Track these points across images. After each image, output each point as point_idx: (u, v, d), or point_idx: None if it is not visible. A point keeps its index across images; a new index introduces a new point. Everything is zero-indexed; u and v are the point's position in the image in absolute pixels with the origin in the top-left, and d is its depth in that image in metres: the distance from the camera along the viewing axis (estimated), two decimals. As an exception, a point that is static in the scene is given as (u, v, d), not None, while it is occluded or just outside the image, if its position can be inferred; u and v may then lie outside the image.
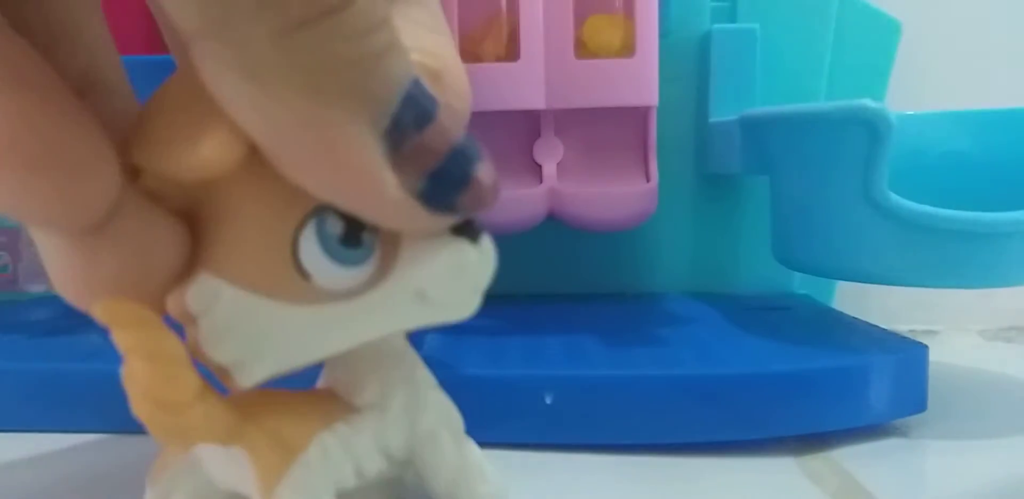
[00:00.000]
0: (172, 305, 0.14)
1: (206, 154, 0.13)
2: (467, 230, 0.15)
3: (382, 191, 0.14)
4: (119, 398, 0.26)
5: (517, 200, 0.30)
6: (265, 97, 0.13)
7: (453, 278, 0.15)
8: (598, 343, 0.28)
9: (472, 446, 0.19)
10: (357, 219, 0.15)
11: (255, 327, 0.14)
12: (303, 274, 0.15)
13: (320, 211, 0.14)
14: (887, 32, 0.39)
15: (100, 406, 0.26)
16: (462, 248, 0.15)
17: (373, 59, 0.13)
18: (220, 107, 0.13)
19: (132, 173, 0.14)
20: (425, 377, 0.18)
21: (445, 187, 0.14)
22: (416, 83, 0.14)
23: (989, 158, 0.32)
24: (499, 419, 0.24)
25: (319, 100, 0.13)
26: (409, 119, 0.13)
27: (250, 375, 0.15)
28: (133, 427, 0.26)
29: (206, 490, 0.17)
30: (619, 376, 0.25)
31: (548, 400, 0.25)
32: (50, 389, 0.27)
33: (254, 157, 0.14)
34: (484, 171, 0.14)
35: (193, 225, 0.15)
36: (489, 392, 0.24)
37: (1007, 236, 0.25)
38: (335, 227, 0.15)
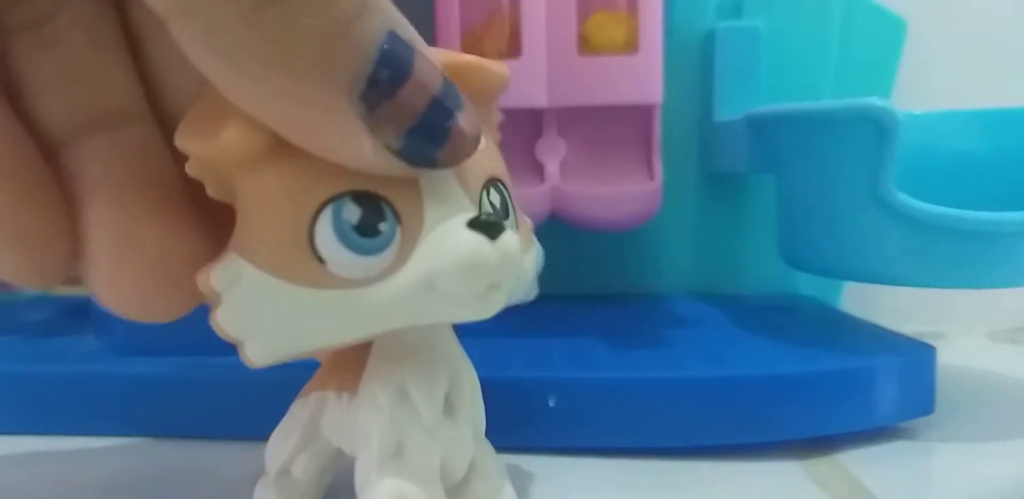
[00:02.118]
0: (200, 281, 0.15)
1: (226, 140, 0.14)
2: (484, 226, 0.15)
3: (365, 154, 0.14)
4: (115, 401, 0.26)
5: (519, 199, 0.30)
6: (238, 74, 0.13)
7: (463, 273, 0.15)
8: (602, 345, 0.28)
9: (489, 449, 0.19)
10: (376, 208, 0.15)
11: (271, 308, 0.15)
12: (319, 259, 0.15)
13: (339, 198, 0.15)
14: (893, 30, 0.39)
15: (97, 409, 0.26)
16: (476, 244, 0.15)
17: (344, 25, 0.13)
18: None
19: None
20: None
21: (424, 143, 0.14)
22: (392, 37, 0.14)
23: (997, 157, 0.32)
24: (502, 422, 0.24)
25: (291, 73, 0.13)
26: (385, 78, 0.13)
27: (263, 354, 0.15)
28: (129, 430, 0.26)
29: (324, 451, 0.19)
30: (623, 379, 0.25)
31: (551, 403, 0.24)
32: (45, 392, 0.26)
33: (280, 142, 0.14)
34: (464, 121, 0.15)
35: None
36: (492, 395, 0.24)
37: (1015, 236, 0.25)
38: (351, 215, 0.15)
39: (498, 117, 0.19)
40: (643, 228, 0.32)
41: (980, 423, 0.28)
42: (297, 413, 0.19)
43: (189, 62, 0.14)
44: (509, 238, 0.15)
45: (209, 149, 0.15)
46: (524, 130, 0.31)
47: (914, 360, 0.26)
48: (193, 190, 0.16)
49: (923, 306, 0.41)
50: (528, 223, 0.19)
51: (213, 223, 0.16)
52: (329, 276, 0.15)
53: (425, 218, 0.15)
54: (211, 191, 0.16)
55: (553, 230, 0.31)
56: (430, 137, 0.14)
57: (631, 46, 0.29)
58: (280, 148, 0.14)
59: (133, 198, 0.16)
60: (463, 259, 0.14)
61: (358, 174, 0.15)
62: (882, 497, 0.22)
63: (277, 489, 0.19)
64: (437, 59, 0.15)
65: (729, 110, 0.35)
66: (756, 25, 0.36)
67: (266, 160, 0.15)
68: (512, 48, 0.29)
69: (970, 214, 0.24)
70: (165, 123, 0.17)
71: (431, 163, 0.14)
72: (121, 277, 0.16)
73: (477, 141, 0.15)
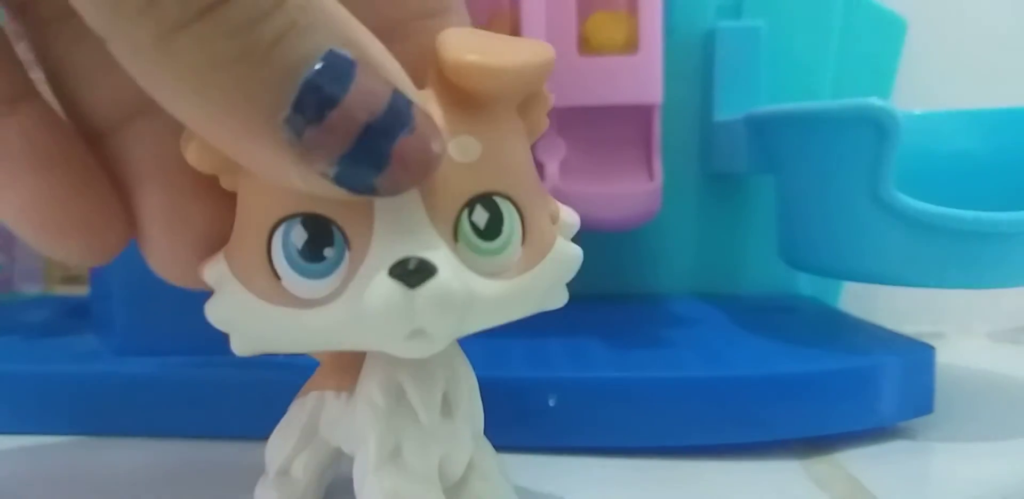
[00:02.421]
0: (199, 272, 0.16)
1: (190, 155, 0.15)
2: (404, 275, 0.14)
3: (300, 180, 0.13)
4: (115, 400, 0.26)
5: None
6: (161, 98, 0.13)
7: (376, 320, 0.14)
8: (602, 345, 0.28)
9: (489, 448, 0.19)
10: (325, 232, 0.15)
11: (241, 313, 0.16)
12: (276, 275, 0.15)
13: (290, 218, 0.15)
14: (893, 30, 0.39)
15: (97, 408, 0.26)
16: (387, 294, 0.14)
17: (263, 49, 0.12)
18: None
19: None
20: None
21: (360, 169, 0.13)
22: (329, 56, 0.13)
23: (996, 157, 0.32)
24: (502, 422, 0.24)
25: (208, 100, 0.13)
26: (311, 103, 0.13)
27: (243, 347, 0.16)
28: (129, 430, 0.26)
29: (323, 451, 0.19)
30: (623, 378, 0.25)
31: (552, 402, 0.24)
32: (45, 391, 0.26)
33: None
34: (413, 143, 0.13)
35: None
36: (492, 395, 0.24)
37: (1015, 236, 0.25)
38: (298, 238, 0.15)
39: (544, 104, 0.17)
40: (643, 228, 0.32)
41: (979, 423, 0.28)
42: (296, 413, 0.19)
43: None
44: (439, 284, 0.14)
45: (191, 161, 0.15)
46: (524, 130, 0.31)
47: (913, 360, 0.26)
48: None
49: (922, 306, 0.41)
50: (562, 224, 0.18)
51: (152, 211, 0.17)
52: (284, 293, 0.15)
53: (372, 245, 0.14)
54: (224, 185, 0.16)
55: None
56: (367, 163, 0.13)
57: (631, 46, 0.29)
58: None
59: (178, 178, 0.16)
60: (374, 308, 0.14)
61: (314, 195, 0.14)
62: (881, 496, 0.22)
63: (277, 489, 0.19)
64: (451, 56, 0.15)
65: (729, 110, 0.35)
66: (756, 25, 0.36)
67: (241, 170, 0.15)
68: (512, 48, 0.29)
69: (969, 214, 0.25)
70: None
71: (370, 191, 0.14)
72: (176, 251, 0.17)
73: (432, 164, 0.14)
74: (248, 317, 0.16)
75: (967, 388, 0.32)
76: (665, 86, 0.29)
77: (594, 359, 0.26)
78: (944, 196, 0.26)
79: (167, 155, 0.16)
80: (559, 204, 0.18)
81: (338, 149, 0.13)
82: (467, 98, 0.15)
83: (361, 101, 0.13)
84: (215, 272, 0.16)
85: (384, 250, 0.14)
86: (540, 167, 0.31)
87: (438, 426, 0.17)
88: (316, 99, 0.13)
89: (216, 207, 0.16)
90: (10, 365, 0.27)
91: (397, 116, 0.13)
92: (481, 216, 0.15)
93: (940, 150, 0.33)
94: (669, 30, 0.31)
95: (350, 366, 0.17)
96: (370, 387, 0.17)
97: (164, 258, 0.17)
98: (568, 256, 0.17)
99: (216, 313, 0.16)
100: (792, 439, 0.25)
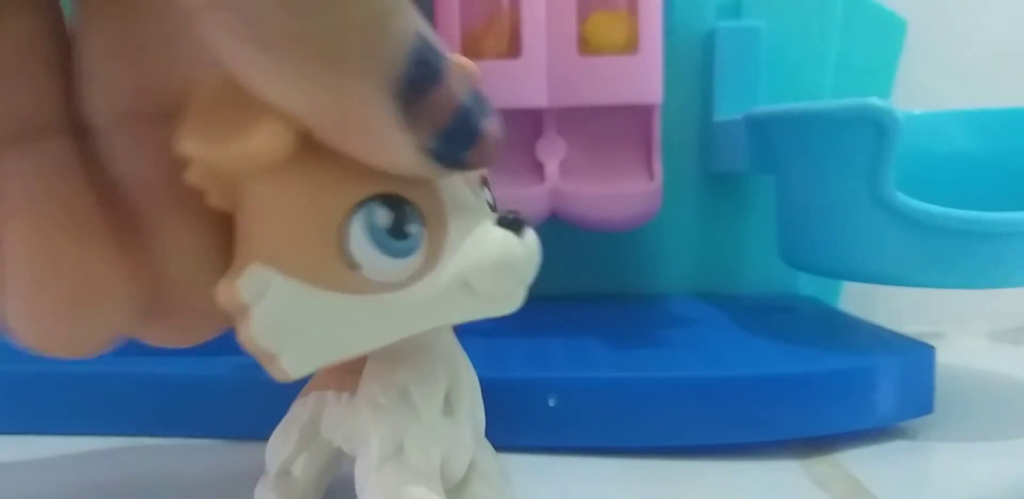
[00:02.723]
0: (222, 296, 0.15)
1: (258, 143, 0.14)
2: (512, 224, 0.15)
3: (399, 153, 0.14)
4: (115, 400, 0.26)
5: (519, 199, 0.30)
6: (278, 65, 0.13)
7: (499, 271, 0.15)
8: (601, 345, 0.28)
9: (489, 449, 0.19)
10: (403, 211, 0.15)
11: (305, 317, 0.15)
12: (351, 264, 0.15)
13: (368, 201, 0.15)
14: (893, 30, 0.39)
15: (97, 409, 0.26)
16: (508, 242, 0.15)
17: (382, 19, 0.13)
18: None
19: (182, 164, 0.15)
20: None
21: (455, 145, 0.14)
22: (422, 39, 0.13)
23: (996, 157, 0.32)
24: (502, 422, 0.24)
25: (333, 65, 0.13)
26: (419, 78, 0.13)
27: (300, 365, 0.15)
28: (129, 430, 0.26)
29: (324, 451, 0.19)
30: (623, 378, 0.25)
31: (552, 402, 0.24)
32: (45, 391, 0.26)
33: (304, 146, 0.14)
34: (491, 126, 0.15)
35: (237, 217, 0.15)
36: (492, 394, 0.24)
37: (1015, 236, 0.25)
38: (383, 218, 0.15)
39: None
40: (643, 228, 0.32)
41: (979, 423, 0.28)
42: (297, 413, 0.19)
43: (114, 77, 0.14)
44: (532, 234, 0.15)
45: (230, 153, 0.14)
46: (524, 130, 0.31)
47: (913, 360, 0.26)
48: (110, 207, 0.15)
49: (922, 306, 0.41)
50: None
51: (131, 242, 0.15)
52: (363, 281, 0.15)
53: (447, 218, 0.15)
54: (214, 200, 0.15)
55: (553, 230, 0.31)
56: (462, 139, 0.14)
57: (631, 46, 0.29)
58: (304, 152, 0.14)
59: (53, 216, 0.15)
60: (498, 256, 0.15)
61: (381, 177, 0.14)
62: (881, 496, 0.22)
63: (277, 489, 0.19)
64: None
65: (729, 110, 0.35)
66: (756, 25, 0.36)
67: (289, 164, 0.14)
68: (512, 48, 0.29)
69: (969, 214, 0.24)
70: (80, 137, 0.16)
71: (461, 165, 0.15)
72: (38, 301, 0.14)
73: (502, 146, 0.15)
74: (317, 319, 0.15)
75: (967, 388, 0.32)
76: (665, 86, 0.29)
77: (594, 359, 0.26)
78: (943, 196, 0.26)
79: (41, 191, 0.15)
80: None
81: (441, 123, 0.14)
82: None
83: (456, 79, 0.14)
84: (255, 282, 0.14)
85: (463, 219, 0.15)
86: (540, 167, 0.31)
87: (440, 426, 0.17)
88: (424, 73, 0.13)
89: (93, 251, 0.15)
90: (9, 365, 0.27)
91: (480, 100, 0.15)
92: (488, 195, 0.17)
93: (940, 150, 0.33)
94: (669, 30, 0.31)
95: (351, 366, 0.17)
96: (372, 387, 0.17)
97: (19, 309, 0.15)
98: None
99: (267, 328, 0.14)
100: (792, 439, 0.25)
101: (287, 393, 0.19)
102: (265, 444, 0.19)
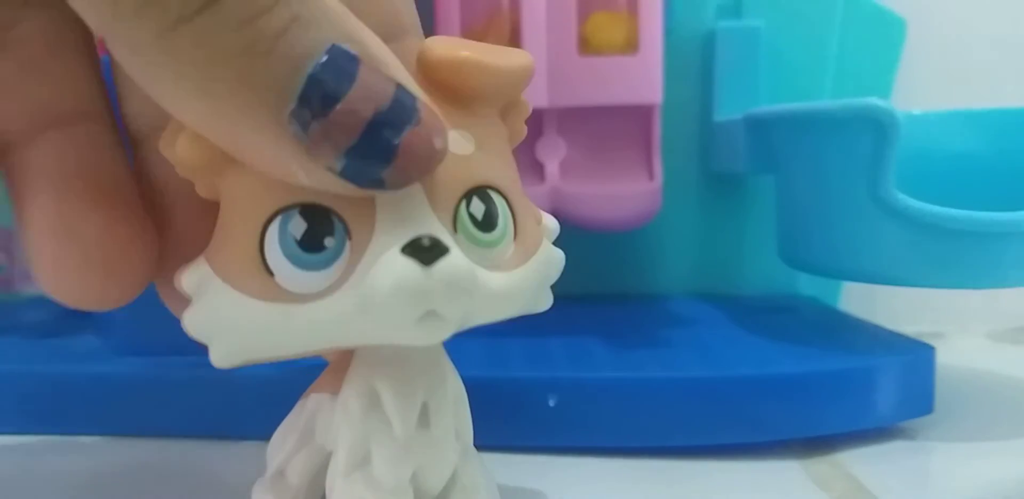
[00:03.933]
0: (175, 282, 0.15)
1: (180, 150, 0.14)
2: (419, 251, 0.14)
3: (306, 175, 0.13)
4: (115, 400, 0.26)
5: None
6: (161, 95, 0.13)
7: (391, 300, 0.14)
8: (602, 345, 0.28)
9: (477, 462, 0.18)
10: (325, 222, 0.14)
11: (229, 318, 0.15)
12: (269, 272, 0.14)
13: (287, 210, 0.14)
14: (892, 30, 0.39)
15: (98, 409, 0.26)
16: (404, 273, 0.14)
17: (267, 43, 0.12)
18: None
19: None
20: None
21: (366, 163, 0.13)
22: (333, 51, 0.13)
23: (996, 158, 0.32)
24: (502, 422, 0.24)
25: (213, 96, 0.13)
26: (317, 96, 0.13)
27: (224, 359, 0.15)
28: (130, 430, 0.26)
29: (319, 454, 0.18)
30: (623, 378, 0.25)
31: (552, 402, 0.24)
32: (46, 392, 0.26)
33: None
34: (418, 136, 0.14)
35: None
36: (492, 394, 0.24)
37: (1014, 236, 0.25)
38: (296, 229, 0.14)
39: (524, 110, 0.17)
40: (643, 228, 0.32)
41: (979, 423, 0.28)
42: (296, 415, 0.19)
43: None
44: (452, 263, 0.14)
45: (173, 157, 0.15)
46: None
47: (913, 360, 0.26)
48: (149, 189, 0.17)
49: (922, 306, 0.41)
50: (545, 228, 0.18)
51: (172, 220, 0.17)
52: (278, 289, 0.14)
53: (375, 234, 0.14)
54: (200, 191, 0.16)
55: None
56: (373, 157, 0.13)
57: (631, 46, 0.29)
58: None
59: (75, 189, 0.16)
60: (391, 286, 0.14)
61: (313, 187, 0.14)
62: (881, 496, 0.22)
63: (272, 490, 0.19)
64: (445, 54, 0.15)
65: (729, 110, 0.35)
66: (756, 25, 0.36)
67: (230, 167, 0.15)
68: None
69: (969, 214, 0.25)
70: (121, 123, 0.17)
71: (378, 184, 0.14)
72: (62, 263, 0.16)
73: (437, 157, 0.14)
74: (237, 320, 0.15)
75: (967, 388, 0.32)
76: (665, 86, 0.29)
77: (594, 359, 0.27)
78: (943, 196, 0.26)
79: (66, 167, 0.16)
80: (540, 210, 0.18)
81: (344, 143, 0.13)
82: (454, 99, 0.15)
83: (366, 95, 0.13)
84: (195, 276, 0.15)
85: (389, 236, 0.14)
86: (540, 167, 0.31)
87: (413, 437, 0.16)
88: (322, 93, 0.13)
89: (112, 220, 0.16)
90: (11, 365, 0.27)
91: (402, 110, 0.13)
92: (478, 207, 0.15)
93: (939, 150, 0.33)
94: (669, 30, 0.31)
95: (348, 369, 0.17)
96: (348, 392, 0.16)
97: (46, 269, 0.16)
98: (554, 257, 0.18)
99: (197, 320, 0.15)
100: (792, 439, 0.25)
101: (288, 393, 0.19)
102: (265, 445, 0.19)
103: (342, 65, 0.13)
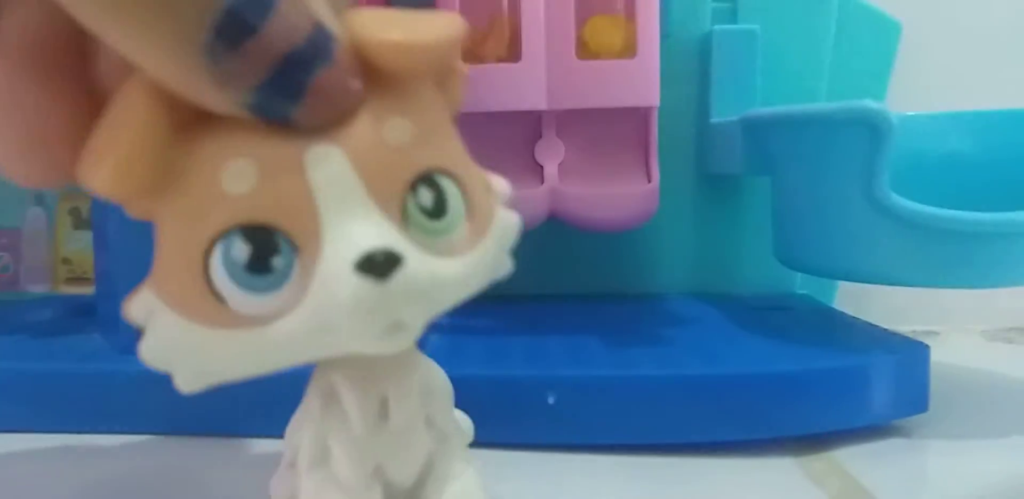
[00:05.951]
0: (124, 311, 0.15)
1: (100, 182, 0.13)
2: (372, 268, 0.13)
3: (223, 108, 0.13)
4: (119, 399, 0.26)
5: (518, 200, 0.30)
6: (86, 20, 0.13)
7: (351, 319, 0.13)
8: (600, 343, 0.28)
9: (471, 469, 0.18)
10: (269, 242, 0.14)
11: (184, 346, 0.14)
12: (219, 298, 0.14)
13: (228, 234, 0.14)
14: (887, 33, 0.39)
15: (102, 407, 0.26)
16: (359, 291, 0.13)
17: None
18: (129, 127, 0.13)
19: None
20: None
21: (277, 99, 0.13)
22: None
23: (990, 159, 0.32)
24: (501, 419, 0.24)
25: (134, 19, 0.12)
26: (231, 29, 0.13)
27: (188, 385, 0.15)
28: (133, 428, 0.26)
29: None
30: (621, 376, 0.25)
31: (551, 400, 0.25)
32: (51, 390, 0.27)
33: (167, 175, 0.14)
34: (331, 77, 0.13)
35: None
36: (491, 392, 0.24)
37: (1008, 236, 0.25)
38: (240, 254, 0.14)
39: (461, 78, 0.17)
40: (641, 229, 0.32)
41: (973, 421, 0.28)
42: (307, 404, 0.19)
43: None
44: (408, 273, 0.13)
45: (95, 187, 0.14)
46: (523, 132, 0.31)
47: (908, 358, 0.27)
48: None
49: (917, 305, 0.42)
50: (495, 193, 0.17)
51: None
52: (230, 314, 0.14)
53: (323, 245, 0.14)
54: (132, 214, 0.15)
55: (552, 230, 0.32)
56: (283, 95, 0.13)
57: (629, 50, 0.29)
58: (167, 181, 0.14)
59: (32, 61, 0.15)
60: (349, 306, 0.13)
61: (249, 202, 0.13)
62: (876, 493, 0.22)
63: (289, 481, 0.19)
64: (373, 36, 0.14)
65: (725, 112, 0.35)
66: (752, 28, 0.36)
67: (158, 193, 0.14)
68: (512, 52, 0.30)
69: (963, 215, 0.25)
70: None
71: (286, 121, 0.13)
72: (3, 134, 0.15)
73: (350, 98, 0.14)
74: (192, 349, 0.14)
75: (961, 386, 0.32)
76: (662, 89, 0.29)
77: (592, 357, 0.27)
78: (937, 197, 0.26)
79: (32, 40, 0.15)
80: (487, 173, 0.17)
81: (255, 78, 0.13)
82: (387, 79, 0.15)
83: (281, 31, 0.13)
84: (142, 306, 0.14)
85: (339, 248, 0.14)
86: (539, 169, 0.31)
87: (373, 432, 0.16)
88: (236, 26, 0.13)
89: (54, 96, 0.15)
90: (17, 363, 0.27)
91: (317, 49, 0.13)
92: (426, 196, 0.15)
93: (934, 152, 0.33)
94: (666, 34, 0.31)
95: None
96: (310, 388, 0.16)
97: None
98: (509, 225, 0.17)
99: (153, 351, 0.14)
100: (788, 437, 0.25)
101: (291, 392, 0.20)
102: (272, 441, 0.19)
103: (255, 3, 0.13)
